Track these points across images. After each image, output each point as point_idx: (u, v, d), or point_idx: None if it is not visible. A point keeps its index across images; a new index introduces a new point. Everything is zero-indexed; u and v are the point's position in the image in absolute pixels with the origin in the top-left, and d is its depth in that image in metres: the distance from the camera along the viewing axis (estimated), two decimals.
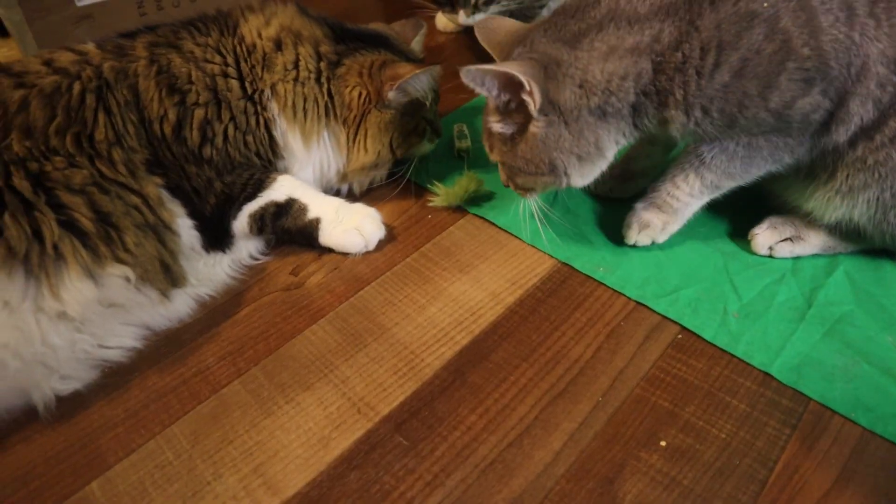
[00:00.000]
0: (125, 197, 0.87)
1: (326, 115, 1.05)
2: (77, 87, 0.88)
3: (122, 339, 0.89)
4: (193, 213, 0.96)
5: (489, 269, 1.02)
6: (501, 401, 0.84)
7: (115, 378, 0.88)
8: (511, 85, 0.86)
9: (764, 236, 1.01)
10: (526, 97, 0.86)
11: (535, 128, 0.89)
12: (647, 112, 0.88)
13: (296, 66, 1.03)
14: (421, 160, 1.21)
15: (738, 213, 1.06)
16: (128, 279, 0.85)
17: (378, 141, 1.08)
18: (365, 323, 0.94)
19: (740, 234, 1.05)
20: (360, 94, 1.05)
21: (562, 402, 0.83)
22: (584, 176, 0.94)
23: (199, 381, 0.88)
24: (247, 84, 1.00)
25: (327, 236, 1.04)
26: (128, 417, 0.84)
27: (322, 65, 1.05)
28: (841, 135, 0.87)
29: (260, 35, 1.03)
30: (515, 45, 0.92)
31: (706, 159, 0.93)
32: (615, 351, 0.89)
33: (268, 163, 1.04)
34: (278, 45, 1.03)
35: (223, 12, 1.06)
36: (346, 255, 1.06)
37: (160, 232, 0.89)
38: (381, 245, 1.07)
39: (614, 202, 1.12)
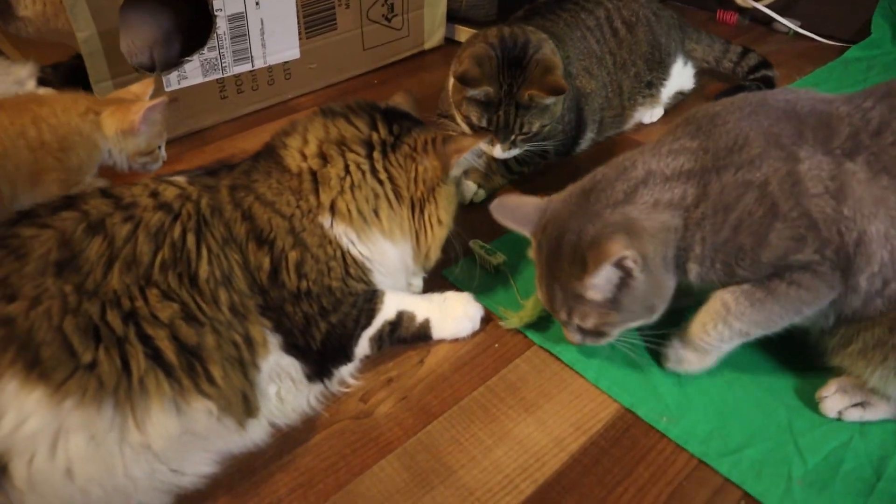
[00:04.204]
0: (223, 332, 0.90)
1: (397, 202, 1.07)
2: (178, 229, 0.91)
3: (198, 467, 0.91)
4: (290, 349, 0.99)
5: (553, 410, 1.04)
6: None
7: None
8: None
9: (833, 400, 1.01)
10: (629, 264, 0.92)
11: (636, 282, 0.95)
12: (680, 256, 0.98)
13: (347, 172, 1.04)
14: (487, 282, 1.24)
15: (805, 365, 1.06)
16: (210, 412, 0.88)
17: (447, 212, 1.12)
18: (432, 462, 0.96)
19: (807, 387, 1.05)
20: (425, 170, 1.08)
21: None
22: (661, 312, 1.03)
23: None
24: (308, 216, 1.01)
25: (440, 331, 1.15)
26: None
27: (375, 155, 1.05)
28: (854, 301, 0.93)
29: (304, 156, 1.04)
30: (553, 220, 1.01)
31: (731, 308, 0.98)
32: None
33: (366, 282, 1.06)
34: (324, 159, 1.04)
35: (267, 144, 1.09)
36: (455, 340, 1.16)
37: (246, 366, 0.92)
38: (449, 375, 1.10)
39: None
